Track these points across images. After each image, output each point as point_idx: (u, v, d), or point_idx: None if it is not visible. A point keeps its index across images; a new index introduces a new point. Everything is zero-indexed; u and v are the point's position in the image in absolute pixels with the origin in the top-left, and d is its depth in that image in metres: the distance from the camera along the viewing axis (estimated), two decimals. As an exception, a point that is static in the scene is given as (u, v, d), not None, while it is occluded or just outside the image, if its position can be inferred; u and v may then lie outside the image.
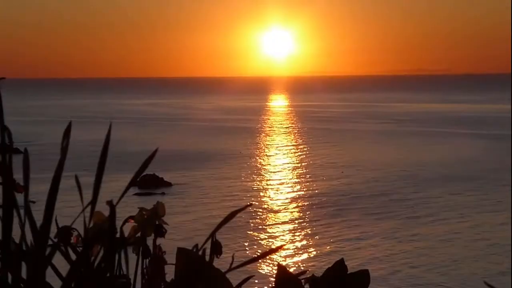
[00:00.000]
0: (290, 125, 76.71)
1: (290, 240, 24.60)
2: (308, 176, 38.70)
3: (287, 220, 27.89)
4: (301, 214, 28.90)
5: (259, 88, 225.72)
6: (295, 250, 23.43)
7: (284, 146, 54.71)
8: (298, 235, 25.49)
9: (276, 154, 49.25)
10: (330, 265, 2.18)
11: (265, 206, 30.10)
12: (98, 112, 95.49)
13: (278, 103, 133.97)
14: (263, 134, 63.41)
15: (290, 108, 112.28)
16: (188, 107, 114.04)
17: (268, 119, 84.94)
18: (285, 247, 23.27)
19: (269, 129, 70.34)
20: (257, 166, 42.23)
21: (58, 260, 1.83)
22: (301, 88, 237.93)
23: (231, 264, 1.94)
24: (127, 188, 1.78)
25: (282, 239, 24.72)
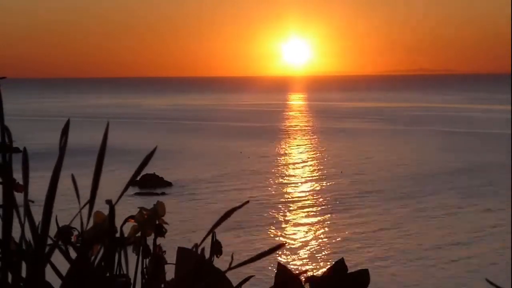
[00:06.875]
0: (292, 125, 76.73)
1: (291, 239, 24.58)
2: (308, 174, 38.71)
3: (287, 218, 27.88)
4: (302, 213, 28.90)
5: (274, 88, 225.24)
6: (296, 249, 23.43)
7: (286, 146, 54.71)
8: (299, 234, 25.48)
9: (277, 153, 49.24)
10: (330, 265, 2.18)
11: (266, 204, 30.07)
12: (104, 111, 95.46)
13: (283, 102, 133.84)
14: (263, 134, 63.33)
15: (292, 107, 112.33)
16: (197, 105, 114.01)
17: (270, 118, 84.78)
18: (285, 245, 23.21)
19: (270, 129, 70.26)
20: (257, 165, 42.20)
21: (58, 259, 1.83)
22: (301, 88, 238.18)
23: (231, 263, 1.93)
24: (127, 186, 1.77)
25: (282, 238, 24.69)
